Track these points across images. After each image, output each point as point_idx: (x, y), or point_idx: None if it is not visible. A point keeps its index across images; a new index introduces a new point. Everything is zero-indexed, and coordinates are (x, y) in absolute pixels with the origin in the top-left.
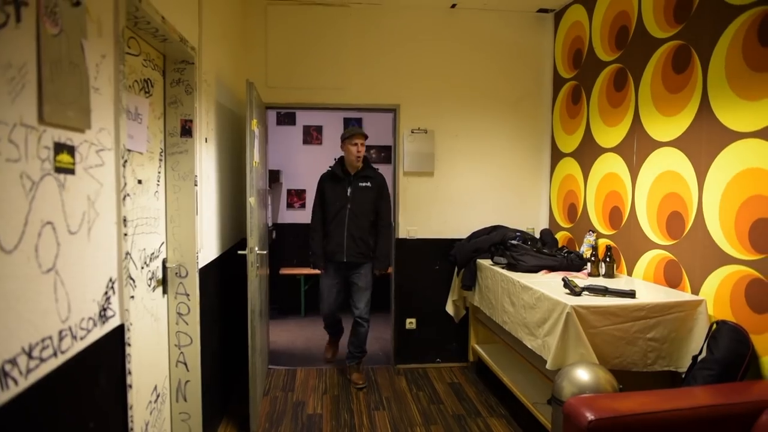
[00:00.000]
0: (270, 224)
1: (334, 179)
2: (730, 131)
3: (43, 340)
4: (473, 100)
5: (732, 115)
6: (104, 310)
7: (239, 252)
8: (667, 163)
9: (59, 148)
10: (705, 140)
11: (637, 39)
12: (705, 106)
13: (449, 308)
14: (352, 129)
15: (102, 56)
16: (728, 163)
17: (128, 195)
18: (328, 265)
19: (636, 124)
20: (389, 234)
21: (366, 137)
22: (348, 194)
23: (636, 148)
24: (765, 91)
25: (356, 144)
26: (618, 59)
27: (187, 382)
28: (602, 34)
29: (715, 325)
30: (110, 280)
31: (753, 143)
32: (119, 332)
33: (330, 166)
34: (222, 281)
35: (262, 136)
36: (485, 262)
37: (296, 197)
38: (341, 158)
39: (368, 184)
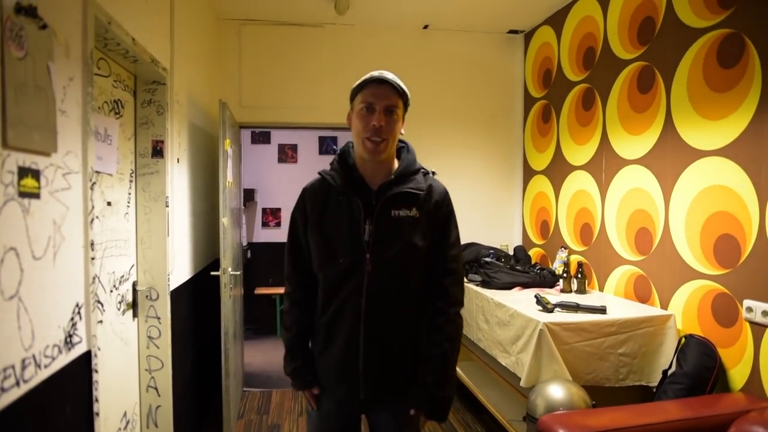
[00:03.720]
0: (245, 243)
1: (330, 198)
2: (693, 149)
3: (4, 370)
4: (447, 118)
5: (695, 134)
6: (70, 336)
7: (212, 273)
8: (635, 181)
9: (23, 172)
10: (670, 158)
11: (604, 60)
12: (669, 125)
13: None
14: (373, 75)
15: (69, 79)
16: (692, 180)
17: (96, 218)
18: (323, 397)
19: (604, 143)
20: (460, 322)
21: (403, 97)
22: (365, 233)
23: (604, 165)
24: (725, 111)
25: (373, 106)
26: (586, 79)
27: (158, 407)
28: (570, 55)
29: (683, 340)
30: (77, 305)
31: (715, 161)
32: (86, 359)
33: (320, 172)
34: (195, 303)
35: (235, 155)
36: None
37: (271, 216)
38: (343, 152)
39: (410, 211)
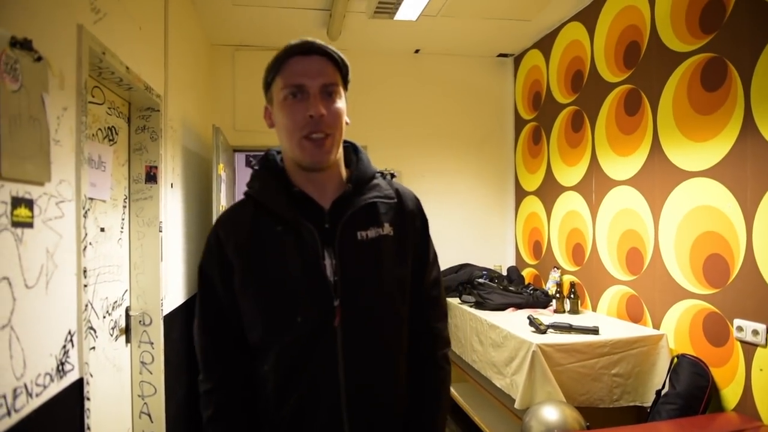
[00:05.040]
0: None
1: (263, 230)
2: (680, 170)
3: None
4: (439, 141)
5: (681, 155)
6: (62, 364)
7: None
8: (624, 201)
9: (17, 202)
10: (658, 179)
11: (591, 83)
12: (656, 147)
13: None
14: (292, 44)
15: (63, 109)
16: (680, 201)
17: (90, 244)
18: None
19: (594, 164)
20: (449, 368)
21: (342, 68)
22: (327, 269)
23: (594, 186)
24: (710, 133)
25: (303, 88)
26: (574, 102)
27: None
28: (559, 78)
29: (676, 359)
30: (69, 332)
31: (702, 182)
32: (78, 386)
33: (246, 190)
34: (188, 327)
35: (229, 179)
36: (453, 301)
37: None
38: (266, 161)
39: (382, 229)
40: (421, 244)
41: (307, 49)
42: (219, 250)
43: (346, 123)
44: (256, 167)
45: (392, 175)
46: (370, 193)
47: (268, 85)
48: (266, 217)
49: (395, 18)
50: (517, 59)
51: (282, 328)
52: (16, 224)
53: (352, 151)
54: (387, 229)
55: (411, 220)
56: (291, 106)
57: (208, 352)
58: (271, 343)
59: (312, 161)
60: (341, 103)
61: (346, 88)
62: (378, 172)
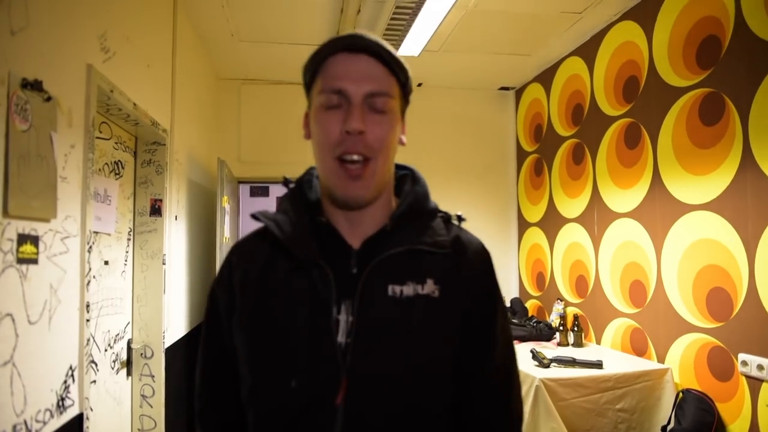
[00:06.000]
0: None
1: (277, 266)
2: (681, 203)
3: None
4: (442, 171)
5: (682, 188)
6: (62, 399)
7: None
8: (627, 234)
9: (23, 239)
10: (659, 212)
11: (592, 116)
12: (657, 180)
13: None
14: (339, 37)
15: (71, 146)
16: (682, 234)
17: (93, 277)
18: None
19: (595, 196)
20: None
21: (400, 74)
22: (338, 329)
23: (596, 218)
24: (710, 167)
25: (345, 94)
26: (575, 134)
27: None
28: (560, 111)
29: (681, 394)
30: (70, 367)
31: (703, 215)
32: (78, 422)
33: (259, 214)
34: (190, 360)
35: (233, 210)
36: None
37: None
38: (301, 184)
39: (423, 287)
40: (481, 317)
41: (354, 46)
42: (229, 275)
43: (401, 143)
44: (292, 185)
45: (459, 218)
46: (416, 236)
47: (308, 87)
48: (283, 251)
49: (398, 53)
50: (519, 92)
51: (270, 390)
52: (21, 261)
53: (410, 178)
54: (430, 287)
55: (469, 281)
56: (326, 116)
57: (204, 396)
58: (255, 405)
59: (344, 196)
60: (392, 120)
61: (406, 101)
62: (438, 211)
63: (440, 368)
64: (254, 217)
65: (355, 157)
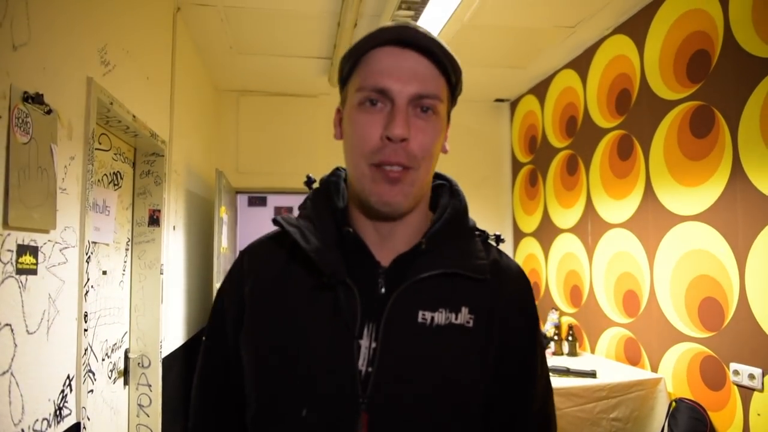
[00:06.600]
0: None
1: (293, 279)
2: (673, 214)
3: None
4: None
5: (674, 199)
6: (60, 409)
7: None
8: (620, 244)
9: (22, 250)
10: (652, 223)
11: (585, 128)
12: (649, 191)
13: None
14: (387, 27)
15: (71, 158)
16: (674, 244)
17: (91, 287)
18: None
19: (589, 207)
20: None
21: (451, 74)
22: (360, 355)
23: (590, 229)
24: (701, 178)
25: (388, 94)
26: (569, 146)
27: None
28: (554, 123)
29: (674, 404)
30: (68, 377)
31: (695, 226)
32: (75, 431)
33: (280, 218)
34: (187, 369)
35: (231, 221)
36: None
37: None
38: (326, 186)
39: (456, 316)
40: (519, 352)
41: (402, 39)
42: (239, 284)
43: (444, 151)
44: (316, 185)
45: (498, 239)
46: (453, 259)
47: (344, 81)
48: (301, 262)
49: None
50: (513, 104)
51: (279, 418)
52: (20, 271)
53: (447, 189)
54: (465, 316)
55: (507, 312)
56: (364, 117)
57: (199, 415)
58: None
59: (379, 202)
60: (438, 126)
61: (453, 103)
62: (477, 230)
63: (470, 407)
64: (276, 222)
65: (396, 168)
